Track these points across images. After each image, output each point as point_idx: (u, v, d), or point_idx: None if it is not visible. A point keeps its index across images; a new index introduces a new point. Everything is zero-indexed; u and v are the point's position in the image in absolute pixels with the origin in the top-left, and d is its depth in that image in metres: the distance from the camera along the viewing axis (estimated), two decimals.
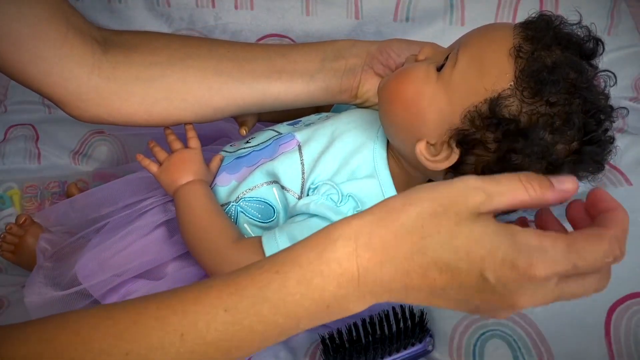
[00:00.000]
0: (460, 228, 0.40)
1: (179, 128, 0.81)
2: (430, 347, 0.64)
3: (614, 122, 0.59)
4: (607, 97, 0.59)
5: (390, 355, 0.64)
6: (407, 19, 1.04)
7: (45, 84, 0.64)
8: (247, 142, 0.79)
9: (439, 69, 0.62)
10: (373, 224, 0.43)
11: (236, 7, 1.09)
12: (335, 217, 0.64)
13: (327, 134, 0.73)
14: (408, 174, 0.70)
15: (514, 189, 0.42)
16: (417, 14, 1.04)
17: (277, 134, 0.78)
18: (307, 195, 0.69)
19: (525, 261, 0.39)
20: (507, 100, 0.56)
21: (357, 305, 0.44)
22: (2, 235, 0.94)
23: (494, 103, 0.57)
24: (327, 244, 0.43)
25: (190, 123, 0.75)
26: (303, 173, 0.71)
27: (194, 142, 0.76)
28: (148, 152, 0.86)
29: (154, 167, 0.75)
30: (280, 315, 0.44)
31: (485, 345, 0.60)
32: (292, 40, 1.10)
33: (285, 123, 0.81)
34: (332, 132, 0.73)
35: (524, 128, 0.55)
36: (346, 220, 0.44)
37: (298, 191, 0.70)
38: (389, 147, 0.71)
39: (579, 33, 0.60)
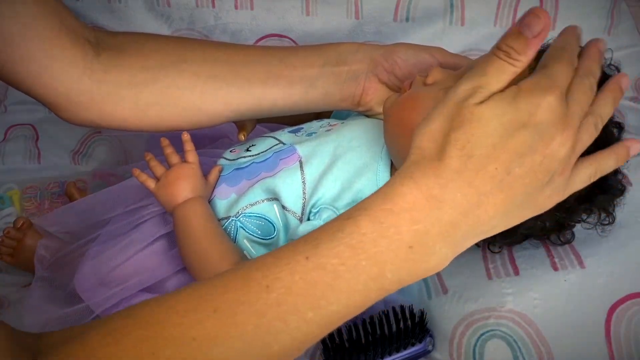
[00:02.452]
0: (477, 124, 0.42)
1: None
2: (430, 347, 0.64)
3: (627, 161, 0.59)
4: (622, 127, 0.60)
5: (390, 355, 0.64)
6: (407, 19, 1.04)
7: (36, 85, 0.63)
8: (248, 149, 0.78)
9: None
10: (419, 165, 0.44)
11: (236, 7, 1.09)
12: None
13: (330, 151, 0.71)
14: None
15: (497, 69, 0.43)
16: (417, 14, 1.04)
17: (277, 142, 0.76)
18: (309, 218, 0.68)
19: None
20: None
21: (442, 246, 0.43)
22: (0, 239, 0.94)
23: None
24: (387, 191, 0.43)
25: (184, 130, 0.73)
26: (304, 193, 0.69)
27: (192, 156, 0.74)
28: (149, 151, 0.86)
29: (150, 183, 0.74)
30: (362, 258, 0.42)
31: (485, 345, 0.60)
32: (292, 40, 1.10)
33: (286, 130, 0.79)
34: (334, 148, 0.71)
35: None
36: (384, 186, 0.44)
37: (299, 212, 0.69)
38: (393, 165, 0.70)
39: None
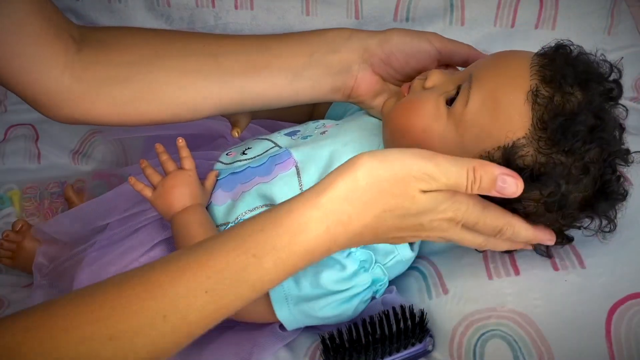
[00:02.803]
0: (409, 201, 0.51)
1: (176, 128, 0.81)
2: (430, 347, 0.63)
3: (630, 164, 0.59)
4: (623, 128, 0.59)
5: (390, 355, 0.63)
6: (407, 19, 1.04)
7: (19, 82, 0.62)
8: (244, 152, 0.77)
9: (449, 101, 0.61)
10: (341, 201, 0.50)
11: (236, 7, 1.09)
12: (343, 261, 0.64)
13: (326, 156, 0.70)
14: None
15: (459, 181, 0.50)
16: (417, 14, 1.04)
17: (273, 145, 0.75)
18: None
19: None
20: (522, 150, 0.55)
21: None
22: None
23: (508, 152, 0.55)
24: (300, 228, 0.49)
25: (166, 123, 0.72)
26: None
27: (188, 163, 0.73)
28: (147, 151, 0.86)
29: (147, 192, 0.73)
30: (256, 292, 0.50)
31: (485, 345, 0.60)
32: None
33: (282, 132, 0.78)
34: (330, 153, 0.70)
35: (539, 178, 0.55)
36: (313, 199, 0.50)
37: None
38: None
39: (600, 67, 0.59)
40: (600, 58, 0.61)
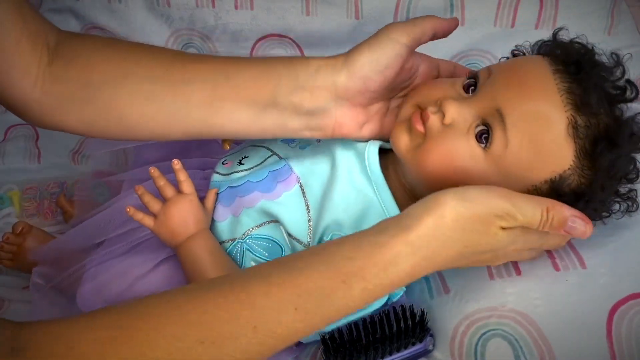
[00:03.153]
0: (490, 238, 0.55)
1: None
2: (430, 347, 0.63)
3: None
4: None
5: (390, 354, 0.63)
6: (407, 19, 1.04)
7: None
8: (240, 162, 0.75)
9: (479, 136, 0.60)
10: (429, 238, 0.52)
11: (236, 7, 1.09)
12: None
13: (326, 171, 0.69)
14: (412, 196, 0.68)
15: (533, 220, 0.54)
16: (417, 14, 1.03)
17: (271, 153, 0.74)
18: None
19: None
20: (568, 179, 0.58)
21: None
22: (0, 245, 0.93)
23: (556, 185, 0.59)
24: (390, 263, 0.51)
25: (134, 141, 0.71)
26: (309, 220, 0.68)
27: (187, 187, 0.71)
28: (147, 150, 0.85)
29: (149, 222, 0.70)
30: (340, 315, 0.52)
31: (486, 344, 0.60)
32: (292, 40, 1.10)
33: (279, 140, 0.77)
34: (331, 167, 0.69)
35: (584, 194, 0.59)
36: (403, 236, 0.52)
37: (304, 239, 0.68)
38: (388, 170, 0.69)
39: (612, 71, 0.62)
40: (612, 61, 0.64)
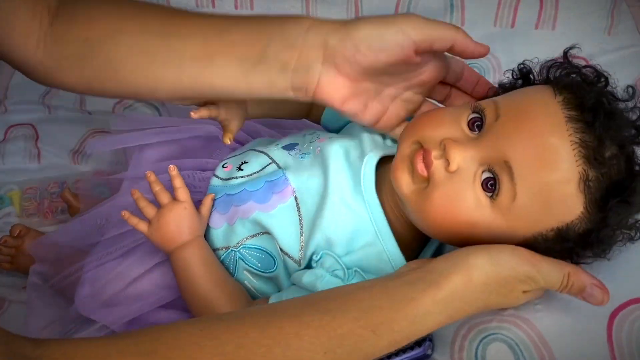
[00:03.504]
0: (512, 300, 0.58)
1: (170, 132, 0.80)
2: (429, 352, 0.63)
3: None
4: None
5: (389, 358, 0.63)
6: None
7: (3, 52, 0.64)
8: (240, 168, 0.75)
9: (485, 184, 0.58)
10: (457, 298, 0.54)
11: (236, 7, 1.09)
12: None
13: (319, 190, 0.68)
14: (411, 229, 0.66)
15: (554, 285, 0.56)
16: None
17: (270, 161, 0.73)
18: (310, 264, 0.67)
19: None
20: (575, 227, 0.57)
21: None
22: None
23: (563, 231, 0.58)
24: (418, 318, 0.53)
25: (131, 99, 0.75)
26: (302, 235, 0.67)
27: (183, 194, 0.70)
28: (148, 150, 0.85)
29: (143, 227, 0.70)
30: (369, 358, 0.53)
31: (487, 348, 0.60)
32: None
33: (280, 145, 0.76)
34: (323, 188, 0.68)
35: (589, 237, 0.58)
36: (433, 293, 0.53)
37: (296, 254, 0.67)
38: (385, 201, 0.67)
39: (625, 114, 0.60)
40: (626, 95, 0.62)
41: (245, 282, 0.72)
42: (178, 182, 0.70)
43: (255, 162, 0.74)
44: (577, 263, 0.60)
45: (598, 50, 0.98)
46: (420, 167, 0.59)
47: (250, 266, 0.71)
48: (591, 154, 0.54)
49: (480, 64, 1.03)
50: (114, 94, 0.69)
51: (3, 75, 1.16)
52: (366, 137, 0.71)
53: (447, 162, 0.58)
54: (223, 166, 0.77)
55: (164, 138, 0.84)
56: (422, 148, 0.60)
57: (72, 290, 0.74)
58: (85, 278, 0.74)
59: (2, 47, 0.63)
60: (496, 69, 1.02)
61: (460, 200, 0.58)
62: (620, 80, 0.65)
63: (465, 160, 0.58)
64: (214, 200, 0.73)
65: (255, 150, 0.77)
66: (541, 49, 0.98)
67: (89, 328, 0.73)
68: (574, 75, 0.62)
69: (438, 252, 0.73)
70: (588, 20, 1.00)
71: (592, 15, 1.00)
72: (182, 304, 0.73)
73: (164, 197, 0.71)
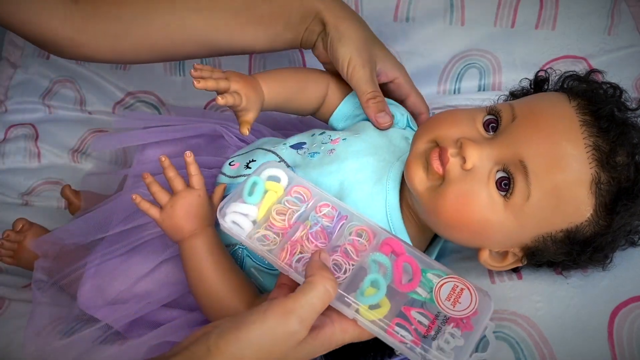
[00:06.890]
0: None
1: (175, 131, 0.80)
2: None
3: None
4: None
5: (390, 357, 0.63)
6: (407, 19, 1.04)
7: (26, 31, 0.69)
8: (248, 165, 0.75)
9: (499, 183, 0.59)
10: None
11: None
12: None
13: (335, 188, 0.68)
14: (422, 229, 0.68)
15: (320, 304, 0.51)
16: (417, 14, 1.03)
17: (278, 160, 0.73)
18: None
19: None
20: (584, 229, 0.58)
21: None
22: (0, 242, 0.93)
23: (572, 233, 0.58)
24: None
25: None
26: None
27: (198, 182, 0.69)
28: (150, 148, 0.85)
29: (154, 212, 0.68)
30: None
31: (487, 347, 0.60)
32: None
33: (288, 144, 0.76)
34: (340, 184, 0.68)
35: (594, 242, 0.59)
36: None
37: None
38: (401, 192, 0.68)
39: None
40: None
41: (252, 279, 0.71)
42: (193, 169, 0.69)
43: (264, 160, 0.73)
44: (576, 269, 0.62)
45: (598, 50, 0.98)
46: (436, 164, 0.60)
47: (257, 263, 0.70)
48: (604, 158, 0.56)
49: (479, 64, 1.03)
50: (147, 61, 0.78)
51: (3, 75, 1.16)
52: (397, 137, 0.74)
53: (463, 160, 0.59)
54: (230, 164, 0.77)
55: (168, 137, 0.84)
56: (438, 146, 0.61)
57: (75, 288, 0.74)
58: (88, 275, 0.74)
59: (25, 25, 0.68)
60: (496, 69, 1.02)
61: (474, 198, 0.59)
62: (620, 80, 0.65)
63: (481, 159, 0.59)
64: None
65: (262, 148, 0.77)
66: (541, 49, 0.99)
67: (92, 327, 0.73)
68: (585, 85, 0.64)
69: (442, 252, 0.74)
70: (588, 20, 1.00)
71: (592, 15, 1.00)
72: (186, 303, 0.73)
73: (179, 184, 0.69)
